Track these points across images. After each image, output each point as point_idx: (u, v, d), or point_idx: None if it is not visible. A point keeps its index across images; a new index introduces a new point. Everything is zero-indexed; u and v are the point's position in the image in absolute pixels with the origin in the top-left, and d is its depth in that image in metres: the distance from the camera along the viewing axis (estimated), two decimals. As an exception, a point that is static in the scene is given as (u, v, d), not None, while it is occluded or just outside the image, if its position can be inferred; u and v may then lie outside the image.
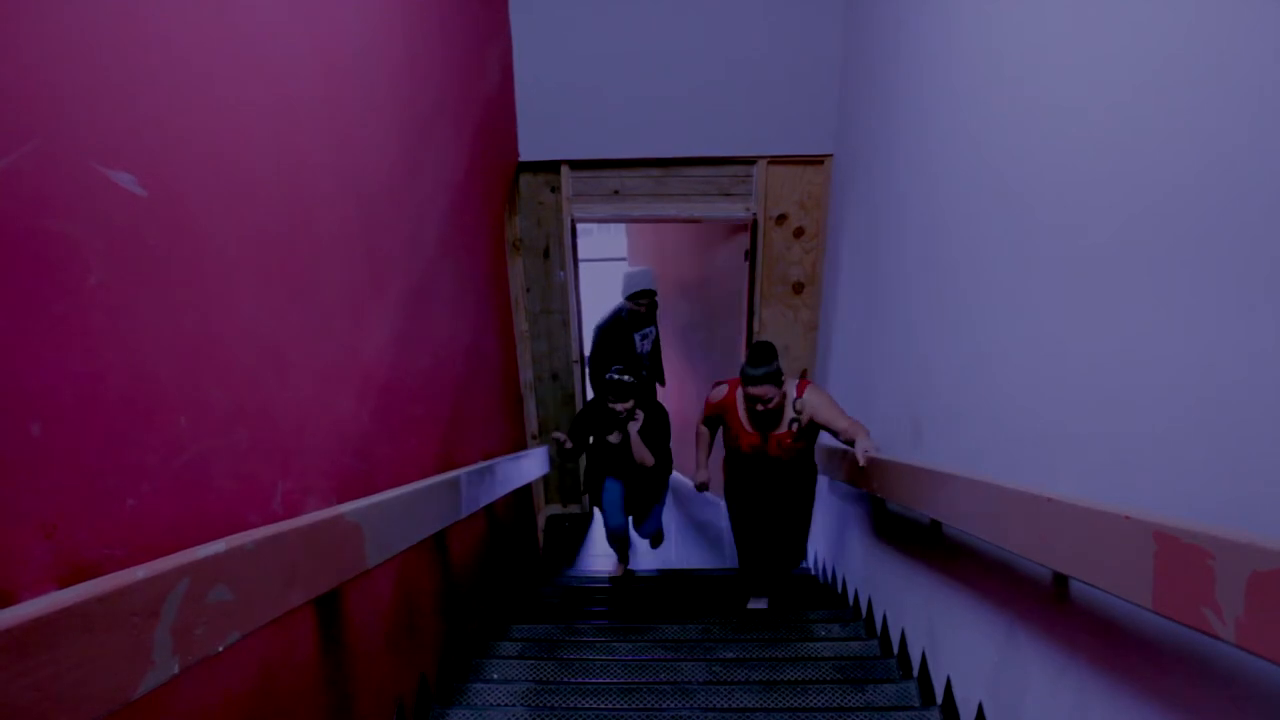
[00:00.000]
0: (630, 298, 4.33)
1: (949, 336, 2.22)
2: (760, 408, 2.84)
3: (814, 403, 2.89)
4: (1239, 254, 1.04)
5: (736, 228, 4.34)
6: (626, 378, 3.56)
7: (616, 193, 4.26)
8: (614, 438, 3.75)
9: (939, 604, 2.26)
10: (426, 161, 2.54)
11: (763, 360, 2.78)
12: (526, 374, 4.60)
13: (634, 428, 3.66)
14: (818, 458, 3.35)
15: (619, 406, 3.60)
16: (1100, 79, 1.40)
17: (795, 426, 2.94)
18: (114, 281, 1.04)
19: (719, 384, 3.20)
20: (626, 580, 4.26)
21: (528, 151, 4.14)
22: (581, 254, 4.55)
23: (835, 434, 2.84)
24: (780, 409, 2.94)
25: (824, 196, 4.15)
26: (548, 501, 4.98)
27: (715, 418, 3.22)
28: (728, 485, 3.35)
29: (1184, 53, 1.17)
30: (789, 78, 3.91)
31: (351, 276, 1.88)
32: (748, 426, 3.04)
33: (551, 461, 4.58)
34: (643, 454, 3.71)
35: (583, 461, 4.69)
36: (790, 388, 2.93)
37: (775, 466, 3.11)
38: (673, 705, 2.39)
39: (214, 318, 1.28)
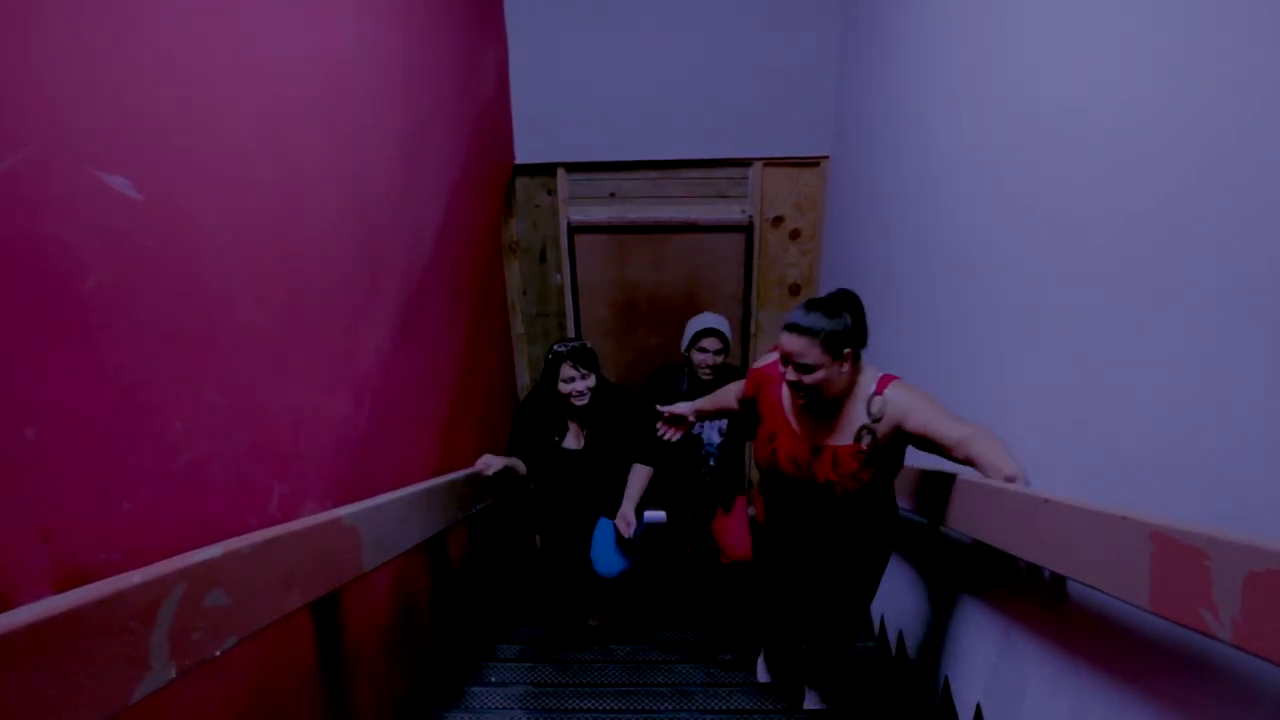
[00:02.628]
0: (692, 344, 2.91)
1: (946, 336, 2.23)
2: (790, 376, 1.77)
3: (903, 403, 1.76)
4: (1240, 255, 1.05)
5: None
6: (578, 343, 2.58)
7: (613, 195, 4.26)
8: (571, 441, 2.66)
9: (936, 605, 2.26)
10: (423, 164, 2.54)
11: (821, 307, 1.74)
12: (523, 377, 4.60)
13: (626, 526, 2.63)
14: (905, 490, 2.17)
15: (577, 386, 2.53)
16: (1099, 80, 1.41)
17: (869, 440, 1.79)
18: (110, 285, 1.04)
19: (773, 349, 2.04)
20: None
21: (524, 154, 4.14)
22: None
23: (944, 450, 1.72)
24: (833, 400, 1.81)
25: (820, 198, 4.16)
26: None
27: (751, 400, 2.08)
28: (760, 525, 2.24)
29: (1183, 55, 1.18)
30: (785, 79, 3.92)
31: (348, 279, 1.88)
32: (793, 422, 1.92)
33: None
34: (640, 484, 2.72)
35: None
36: (866, 380, 1.82)
37: (828, 505, 1.92)
38: (670, 707, 2.39)
39: (210, 321, 1.28)
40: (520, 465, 2.77)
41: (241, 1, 1.39)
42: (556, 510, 2.92)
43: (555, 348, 2.55)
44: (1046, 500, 1.37)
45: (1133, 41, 1.29)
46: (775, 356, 1.95)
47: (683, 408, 2.37)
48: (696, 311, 4.64)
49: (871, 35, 3.20)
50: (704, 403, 2.37)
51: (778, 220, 4.25)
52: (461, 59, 3.07)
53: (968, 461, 1.67)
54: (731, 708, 2.38)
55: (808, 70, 3.89)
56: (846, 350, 1.73)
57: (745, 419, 2.20)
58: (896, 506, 2.07)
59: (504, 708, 2.41)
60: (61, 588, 0.92)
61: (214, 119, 1.30)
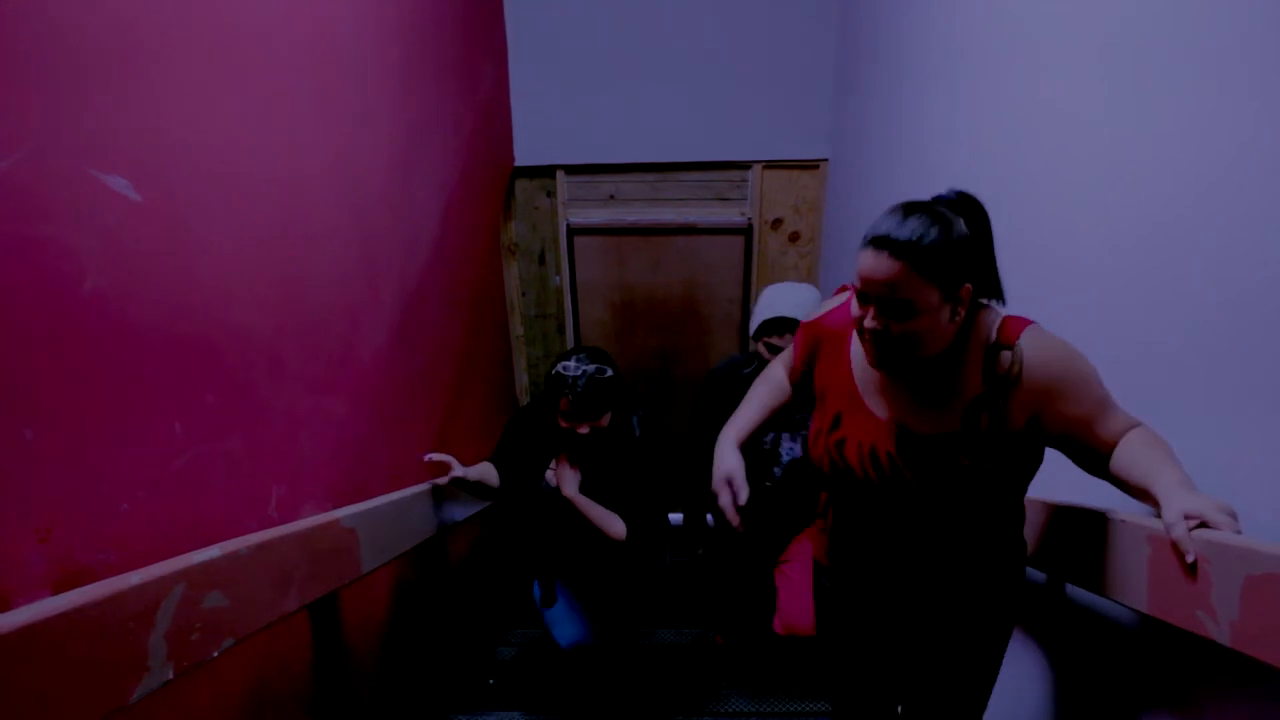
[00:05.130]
0: (758, 337, 2.14)
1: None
2: (869, 323, 1.11)
3: (1055, 366, 1.09)
4: (1239, 261, 1.05)
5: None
6: (592, 369, 1.85)
7: (612, 198, 4.26)
8: (554, 476, 2.04)
9: None
10: (422, 166, 2.54)
11: (926, 210, 1.08)
12: (522, 379, 4.59)
13: (570, 485, 1.98)
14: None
15: (580, 429, 1.90)
16: (1099, 84, 1.41)
17: (986, 416, 1.12)
18: (108, 286, 1.04)
19: (840, 290, 1.38)
20: None
21: (523, 156, 4.15)
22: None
23: (1093, 456, 1.11)
24: (933, 360, 1.14)
25: (819, 201, 4.17)
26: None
27: (808, 358, 1.36)
28: (822, 568, 1.47)
29: (1182, 59, 1.18)
30: (784, 82, 3.93)
31: (347, 281, 1.88)
32: (866, 396, 1.24)
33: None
34: (603, 519, 1.99)
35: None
36: (990, 320, 1.15)
37: (924, 527, 1.23)
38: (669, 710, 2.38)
39: (209, 322, 1.28)
40: (492, 476, 2.08)
41: (239, 1, 1.39)
42: (542, 564, 2.28)
43: (558, 368, 1.86)
44: (1044, 503, 1.38)
45: (1134, 45, 1.30)
46: (840, 300, 1.32)
47: (733, 466, 1.40)
48: (696, 314, 4.28)
49: (869, 37, 3.21)
50: (748, 416, 1.49)
51: (777, 223, 4.26)
52: (461, 60, 3.07)
53: (1119, 480, 1.04)
54: (730, 710, 2.38)
55: (807, 73, 3.90)
56: (965, 285, 1.07)
57: (804, 382, 1.40)
58: (1023, 540, 1.30)
59: (503, 710, 2.41)
60: (60, 589, 0.92)
61: (212, 120, 1.30)
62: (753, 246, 4.30)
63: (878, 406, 1.22)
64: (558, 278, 4.45)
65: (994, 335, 1.13)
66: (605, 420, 1.91)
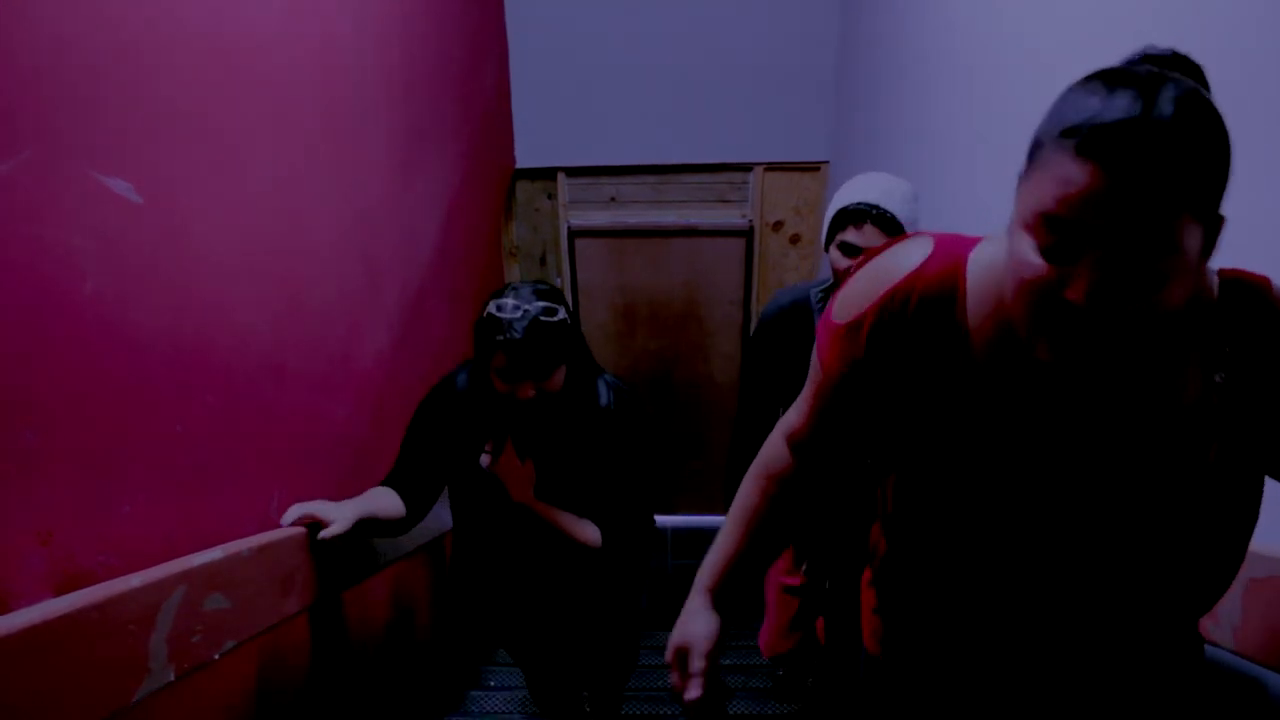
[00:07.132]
0: (835, 227, 1.65)
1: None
2: (1084, 295, 0.56)
3: None
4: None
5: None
6: (537, 308, 1.35)
7: (613, 200, 4.27)
8: (487, 460, 1.52)
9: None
10: (424, 167, 2.54)
11: (1162, 84, 0.56)
12: (523, 380, 4.59)
13: (523, 488, 1.50)
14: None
15: (519, 392, 1.36)
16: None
17: (1224, 387, 0.63)
18: (109, 287, 1.04)
19: (910, 238, 0.79)
20: None
21: (524, 159, 4.15)
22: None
23: None
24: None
25: (820, 203, 4.17)
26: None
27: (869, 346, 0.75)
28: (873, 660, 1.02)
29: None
30: (785, 84, 3.93)
31: (349, 283, 1.88)
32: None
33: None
34: (570, 525, 1.52)
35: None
36: (1208, 281, 0.66)
37: (1063, 610, 0.75)
38: (670, 712, 2.38)
39: (210, 325, 1.28)
40: (385, 507, 1.49)
41: (241, 6, 1.40)
42: (485, 570, 1.74)
43: (490, 308, 1.40)
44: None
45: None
46: (921, 252, 0.78)
47: (693, 633, 1.01)
48: (697, 316, 4.31)
49: (869, 41, 3.21)
50: (720, 550, 1.06)
51: (778, 225, 4.26)
52: (462, 62, 3.08)
53: None
54: (731, 712, 2.38)
55: (808, 75, 3.91)
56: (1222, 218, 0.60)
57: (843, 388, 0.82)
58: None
59: (503, 711, 2.40)
60: (61, 591, 0.91)
61: (213, 122, 1.30)
62: (754, 248, 4.30)
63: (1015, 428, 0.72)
64: (559, 280, 4.45)
65: (1214, 286, 0.66)
66: (557, 380, 1.39)
